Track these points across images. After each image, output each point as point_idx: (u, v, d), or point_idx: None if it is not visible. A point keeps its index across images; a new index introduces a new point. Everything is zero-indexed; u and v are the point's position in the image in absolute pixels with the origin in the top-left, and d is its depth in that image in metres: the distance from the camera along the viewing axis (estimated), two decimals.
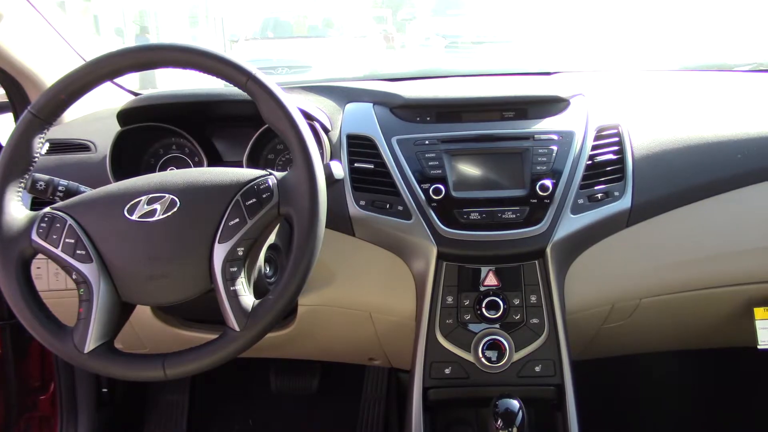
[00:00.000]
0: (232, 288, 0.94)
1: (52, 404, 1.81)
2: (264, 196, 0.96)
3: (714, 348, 1.74)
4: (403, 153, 1.27)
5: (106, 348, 0.97)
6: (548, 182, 1.23)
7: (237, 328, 0.94)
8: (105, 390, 1.86)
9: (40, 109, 1.01)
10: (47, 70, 1.53)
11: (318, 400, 2.11)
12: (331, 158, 1.31)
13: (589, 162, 1.26)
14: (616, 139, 1.30)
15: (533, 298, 1.25)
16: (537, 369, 1.25)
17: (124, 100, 1.38)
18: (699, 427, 1.98)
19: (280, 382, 2.09)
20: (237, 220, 0.95)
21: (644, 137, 1.31)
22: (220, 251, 0.95)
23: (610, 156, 1.28)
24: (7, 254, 0.98)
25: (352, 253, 1.31)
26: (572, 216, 1.24)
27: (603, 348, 1.57)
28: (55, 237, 0.98)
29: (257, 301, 0.95)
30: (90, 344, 0.96)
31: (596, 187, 1.26)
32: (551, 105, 1.34)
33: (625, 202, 1.26)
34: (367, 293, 1.35)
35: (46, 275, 1.36)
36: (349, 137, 1.32)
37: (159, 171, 1.40)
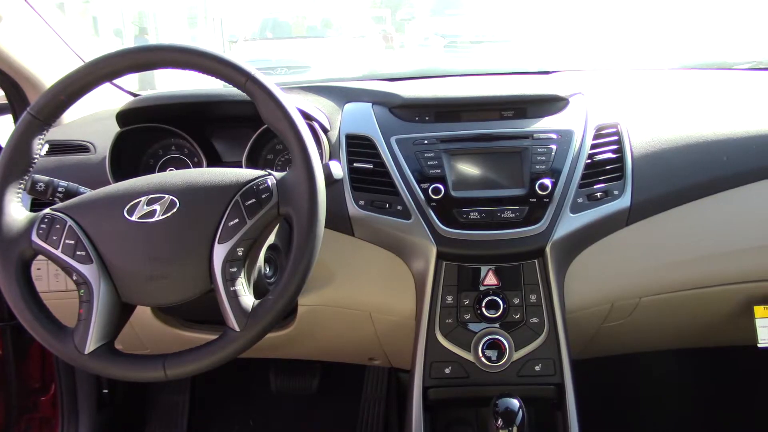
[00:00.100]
0: (232, 288, 0.94)
1: (52, 405, 1.81)
2: (263, 196, 0.96)
3: (714, 347, 1.74)
4: (402, 153, 1.27)
5: (106, 349, 0.97)
6: (547, 181, 1.23)
7: (237, 329, 0.94)
8: (105, 391, 1.87)
9: (40, 110, 1.01)
10: (46, 71, 1.53)
11: (318, 400, 2.12)
12: (330, 158, 1.31)
13: (589, 161, 1.26)
14: (616, 137, 1.30)
15: (533, 298, 1.25)
16: (537, 368, 1.25)
17: (123, 101, 1.38)
18: (699, 426, 1.98)
19: (280, 382, 2.09)
20: (236, 220, 0.95)
21: (643, 136, 1.31)
22: (219, 252, 0.95)
23: (610, 155, 1.28)
24: (8, 256, 0.98)
25: (351, 253, 1.31)
26: (571, 215, 1.24)
27: (603, 347, 1.57)
28: (55, 238, 0.98)
29: (257, 302, 0.95)
30: (90, 345, 0.96)
31: (595, 186, 1.26)
32: (550, 104, 1.34)
33: (624, 201, 1.26)
34: (367, 293, 1.35)
35: (46, 276, 1.36)
36: (348, 137, 1.32)
37: (158, 172, 1.40)
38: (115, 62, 1.01)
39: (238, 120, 1.38)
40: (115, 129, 1.32)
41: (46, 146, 1.43)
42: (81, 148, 1.44)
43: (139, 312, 1.07)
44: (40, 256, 1.00)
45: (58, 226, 0.98)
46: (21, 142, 1.01)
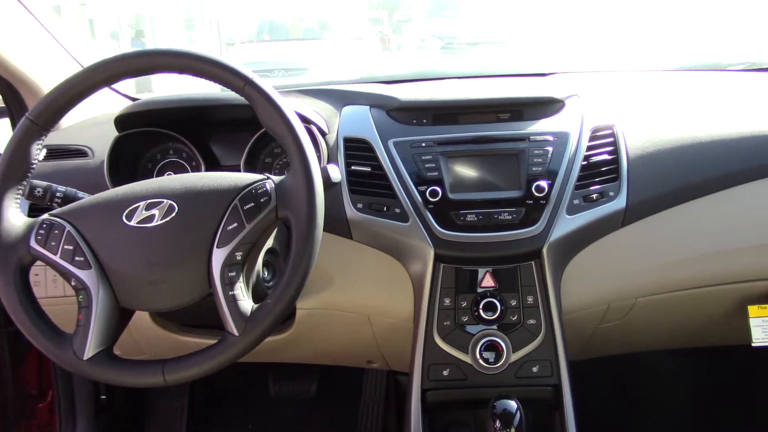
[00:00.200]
0: (230, 292, 0.94)
1: (50, 411, 1.81)
2: (262, 200, 0.96)
3: (709, 346, 1.75)
4: (399, 155, 1.28)
5: (105, 354, 0.97)
6: (544, 183, 1.24)
7: (236, 333, 0.94)
8: (103, 397, 1.86)
9: (38, 115, 1.01)
10: (44, 75, 1.53)
11: (317, 403, 2.12)
12: (329, 161, 1.31)
13: (585, 162, 1.27)
14: (611, 139, 1.30)
15: (530, 299, 1.26)
16: (534, 369, 1.25)
17: (121, 105, 1.38)
18: (697, 426, 1.98)
19: (278, 386, 2.09)
20: (235, 224, 0.95)
21: (639, 137, 1.32)
22: (218, 256, 0.95)
23: (605, 156, 1.29)
24: (6, 261, 0.98)
25: (349, 256, 1.31)
26: (568, 216, 1.24)
27: (600, 347, 1.58)
28: (53, 244, 0.98)
29: (256, 306, 0.96)
30: (89, 351, 0.96)
31: (591, 188, 1.26)
32: (546, 106, 1.34)
33: (620, 202, 1.27)
34: (365, 296, 1.35)
35: (44, 282, 1.36)
36: (346, 140, 1.32)
37: (156, 176, 1.40)
38: (114, 67, 1.01)
39: (236, 124, 1.38)
40: (113, 133, 1.33)
41: (44, 151, 1.43)
42: (79, 152, 1.44)
43: (137, 317, 1.07)
44: (38, 262, 1.00)
45: (56, 231, 0.98)
46: (19, 148, 1.01)
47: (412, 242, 1.26)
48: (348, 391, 2.09)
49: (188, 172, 1.39)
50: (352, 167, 1.29)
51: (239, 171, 1.27)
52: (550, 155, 1.26)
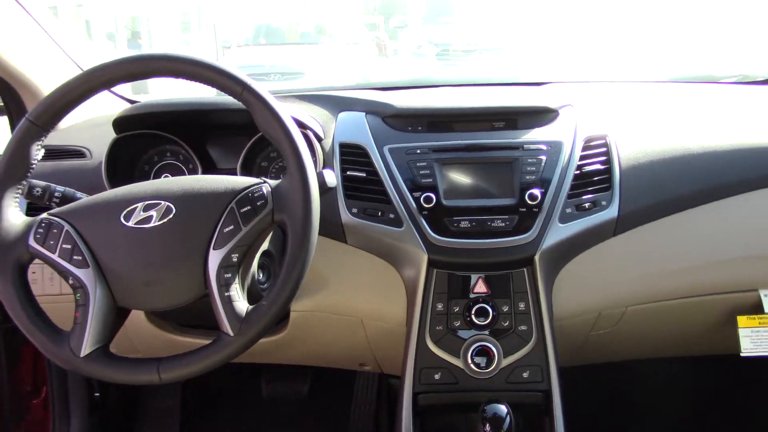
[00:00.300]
0: (226, 294, 0.95)
1: (44, 408, 1.81)
2: (258, 203, 0.97)
3: (699, 355, 1.76)
4: (394, 161, 1.29)
5: (101, 352, 0.98)
6: (537, 191, 1.25)
7: (231, 333, 0.95)
8: (97, 394, 1.86)
9: (38, 116, 1.02)
10: (43, 77, 1.54)
11: (309, 404, 2.12)
12: (324, 166, 1.32)
13: (577, 172, 1.28)
14: (604, 149, 1.32)
15: (522, 306, 1.27)
16: (525, 375, 1.26)
17: (119, 107, 1.39)
18: None
19: (271, 387, 2.10)
20: (232, 227, 0.97)
21: (631, 148, 1.34)
22: (215, 257, 0.96)
23: (598, 166, 1.30)
24: (5, 260, 0.99)
25: (344, 259, 1.32)
26: (560, 225, 1.26)
27: (592, 354, 1.59)
28: (52, 242, 0.99)
29: (251, 307, 0.97)
30: (86, 348, 0.97)
31: (584, 197, 1.28)
32: (541, 115, 1.36)
33: (612, 212, 1.28)
34: (359, 300, 1.36)
35: (41, 280, 1.36)
36: (342, 146, 1.33)
37: (153, 178, 1.41)
38: (112, 71, 1.02)
39: (233, 128, 1.39)
40: (111, 135, 1.33)
41: (43, 151, 1.44)
42: (77, 153, 1.45)
43: (133, 316, 1.08)
44: (35, 261, 1.01)
45: (55, 230, 0.99)
46: (19, 148, 1.02)
47: (405, 247, 1.27)
48: (340, 392, 2.10)
49: (185, 174, 1.40)
50: (348, 172, 1.30)
51: (236, 174, 1.29)
52: (543, 164, 1.27)
